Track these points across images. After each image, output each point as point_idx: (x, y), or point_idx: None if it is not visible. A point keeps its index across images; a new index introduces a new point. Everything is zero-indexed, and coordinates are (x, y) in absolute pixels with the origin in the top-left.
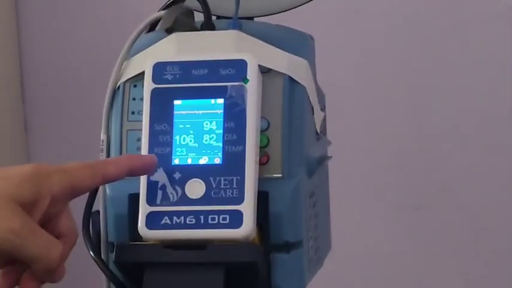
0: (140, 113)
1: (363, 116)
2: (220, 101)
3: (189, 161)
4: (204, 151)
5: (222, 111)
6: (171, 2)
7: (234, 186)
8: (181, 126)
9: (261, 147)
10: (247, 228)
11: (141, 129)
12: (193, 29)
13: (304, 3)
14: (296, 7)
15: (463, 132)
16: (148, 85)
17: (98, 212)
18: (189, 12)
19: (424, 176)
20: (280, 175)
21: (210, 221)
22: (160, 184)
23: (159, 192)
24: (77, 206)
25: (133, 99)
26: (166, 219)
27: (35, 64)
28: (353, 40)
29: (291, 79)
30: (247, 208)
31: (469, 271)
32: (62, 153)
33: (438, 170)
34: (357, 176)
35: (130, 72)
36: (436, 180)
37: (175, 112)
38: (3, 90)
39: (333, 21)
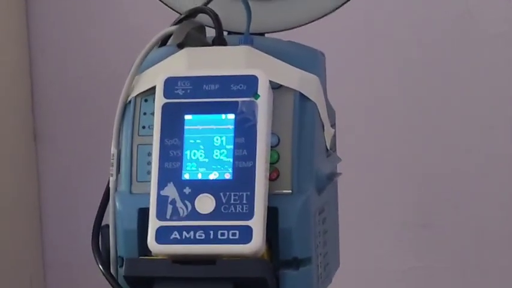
0: (151, 127)
1: (372, 133)
2: (231, 116)
3: (199, 176)
4: (214, 166)
5: (232, 126)
6: (183, 17)
7: (244, 201)
8: (192, 141)
9: (271, 163)
10: (256, 243)
11: (151, 144)
12: (205, 44)
13: (314, 20)
14: (307, 23)
15: (472, 149)
16: (159, 100)
17: (107, 226)
18: (201, 28)
19: (431, 193)
20: (290, 191)
21: (219, 236)
22: (170, 199)
23: (169, 207)
24: (87, 221)
25: (144, 113)
26: (176, 234)
27: (45, 73)
28: (363, 56)
29: (302, 95)
30: (257, 224)
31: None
32: (70, 162)
33: (446, 188)
34: (364, 192)
35: (142, 86)
36: (444, 198)
37: (186, 127)
38: (13, 99)
39: (343, 38)
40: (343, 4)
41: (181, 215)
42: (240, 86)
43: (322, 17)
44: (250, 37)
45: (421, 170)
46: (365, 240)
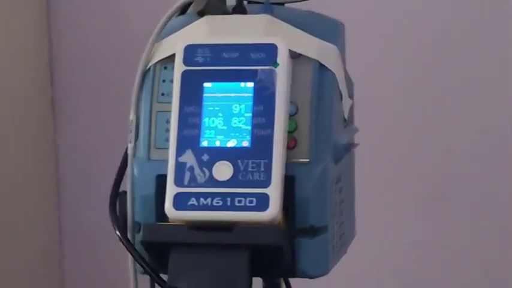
0: (170, 94)
1: (391, 105)
2: (250, 84)
3: (218, 144)
4: (232, 134)
5: (251, 94)
6: None
7: (262, 169)
8: (211, 108)
9: (289, 132)
10: (273, 211)
11: (170, 111)
12: (225, 12)
13: None
14: None
15: (489, 123)
16: (179, 67)
17: (125, 192)
18: None
19: (449, 167)
20: (307, 160)
21: (236, 203)
22: (188, 165)
23: (187, 174)
24: (104, 186)
25: (164, 81)
26: (193, 201)
27: (63, 43)
28: (384, 28)
29: (321, 65)
30: (274, 191)
31: (493, 262)
32: (88, 130)
33: (462, 160)
34: (381, 164)
35: (161, 54)
36: (461, 171)
37: (204, 94)
38: (32, 69)
39: (364, 8)
40: None
41: (199, 181)
42: (259, 55)
43: None
44: (270, 6)
45: (439, 142)
46: (381, 211)
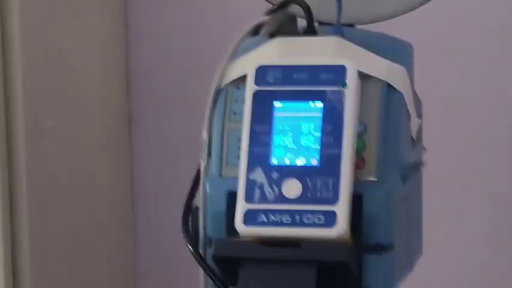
0: (242, 114)
1: (459, 123)
2: (320, 104)
3: (287, 162)
4: (301, 152)
5: (320, 114)
6: (276, 8)
7: (330, 187)
8: (281, 127)
9: (357, 152)
10: (341, 228)
11: (241, 130)
12: (296, 34)
13: (405, 13)
14: (397, 16)
15: None
16: (250, 87)
17: (197, 208)
18: (293, 18)
19: None
20: (375, 179)
21: (305, 220)
22: (258, 183)
23: (257, 191)
24: (178, 202)
25: (236, 100)
26: (263, 217)
27: (141, 60)
28: (450, 48)
29: (389, 86)
30: (342, 209)
31: None
32: (164, 148)
33: None
34: (450, 183)
35: (234, 74)
36: None
37: (275, 114)
38: (109, 83)
39: (434, 29)
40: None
41: (268, 198)
42: (329, 75)
43: (413, 9)
44: (340, 28)
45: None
46: (449, 231)
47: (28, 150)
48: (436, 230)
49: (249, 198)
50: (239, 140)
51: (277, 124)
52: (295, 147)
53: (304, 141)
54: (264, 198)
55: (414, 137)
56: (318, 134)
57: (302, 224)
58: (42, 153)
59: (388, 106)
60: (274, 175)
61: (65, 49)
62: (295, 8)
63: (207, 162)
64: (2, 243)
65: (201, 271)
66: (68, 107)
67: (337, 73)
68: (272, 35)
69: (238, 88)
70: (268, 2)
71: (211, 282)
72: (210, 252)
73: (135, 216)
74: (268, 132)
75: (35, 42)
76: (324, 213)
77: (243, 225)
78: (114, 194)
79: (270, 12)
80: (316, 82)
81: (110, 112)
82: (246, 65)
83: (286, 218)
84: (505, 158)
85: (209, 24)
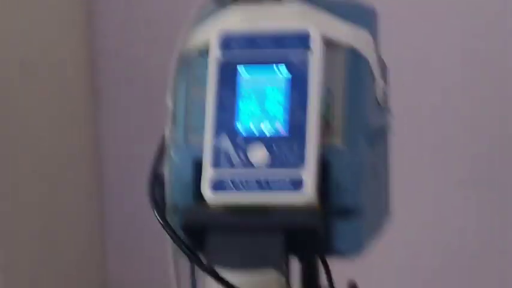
0: (205, 80)
1: (429, 88)
2: (284, 69)
3: (252, 127)
4: (267, 117)
5: (285, 79)
6: None
7: (296, 152)
8: (245, 92)
9: (323, 116)
10: (308, 193)
11: (206, 96)
12: (260, 0)
13: None
14: None
15: None
16: (213, 52)
17: (163, 175)
18: None
19: (495, 150)
20: (341, 143)
21: (272, 186)
22: (224, 149)
23: (223, 157)
24: (145, 170)
25: (199, 67)
26: (229, 183)
27: (104, 31)
28: (417, 12)
29: (354, 50)
30: (309, 174)
31: None
32: (130, 118)
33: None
34: (419, 148)
35: (197, 41)
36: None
37: (239, 79)
38: (73, 56)
39: None
40: None
41: (235, 165)
42: (293, 41)
43: None
44: None
45: (484, 127)
46: (419, 196)
47: None
48: (404, 194)
49: (215, 165)
50: (204, 106)
51: (242, 89)
52: (260, 112)
53: (269, 106)
54: (230, 165)
55: (380, 101)
56: (283, 99)
57: (269, 190)
58: (4, 124)
59: (352, 71)
60: (240, 141)
61: (27, 25)
62: None
63: (172, 128)
64: None
65: (169, 239)
66: (32, 82)
67: (301, 38)
68: (235, 1)
69: (201, 54)
70: None
71: (179, 250)
72: (177, 219)
73: (102, 187)
74: (233, 98)
75: None
76: (291, 179)
77: (209, 192)
78: (80, 165)
79: None
80: (280, 47)
81: (74, 85)
82: (210, 31)
83: (253, 185)
84: (476, 118)
85: None
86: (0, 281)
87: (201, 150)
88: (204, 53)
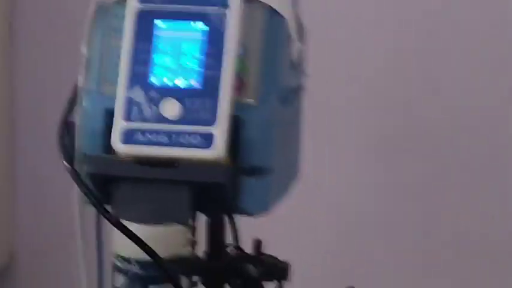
0: (122, 30)
1: (344, 52)
2: (201, 25)
3: (166, 81)
4: (181, 73)
5: (202, 35)
6: None
7: (208, 108)
8: (162, 47)
9: (237, 73)
10: (217, 150)
11: (121, 47)
12: None
13: None
14: None
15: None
16: (132, 4)
17: (74, 123)
18: None
19: (406, 116)
20: (254, 101)
21: (183, 141)
22: (136, 101)
23: (135, 109)
24: (53, 116)
25: (117, 17)
26: (140, 136)
27: None
28: None
29: (272, 9)
30: (220, 131)
31: (443, 203)
32: (46, 62)
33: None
34: (334, 108)
35: None
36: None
37: (155, 32)
38: None
39: None
40: None
41: (146, 118)
42: None
43: None
44: None
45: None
46: (329, 154)
47: None
48: (315, 154)
49: (126, 117)
50: (119, 57)
51: (158, 43)
52: (175, 67)
53: (184, 61)
54: (142, 117)
55: (295, 62)
56: (199, 55)
57: (180, 144)
58: None
59: (270, 30)
60: (153, 94)
61: None
62: None
63: (86, 78)
64: None
65: (76, 190)
66: None
67: None
68: None
69: (119, 4)
70: None
71: (86, 199)
72: (85, 168)
73: (14, 136)
74: (149, 51)
75: None
76: (202, 134)
77: (119, 143)
78: None
79: None
80: (199, 3)
81: None
82: None
83: (164, 138)
84: (391, 81)
85: None
86: None
87: (113, 101)
88: (122, 1)
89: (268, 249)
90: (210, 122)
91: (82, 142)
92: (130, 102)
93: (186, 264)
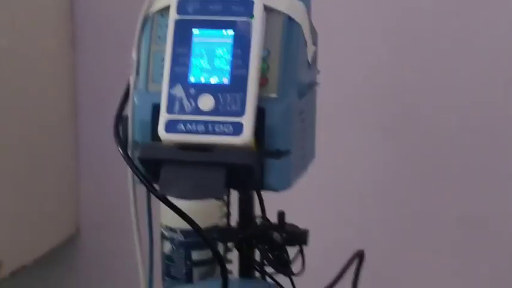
0: (165, 38)
1: (356, 53)
2: (231, 32)
3: (202, 80)
4: (215, 72)
5: (231, 41)
6: None
7: (238, 102)
8: (198, 51)
9: (262, 72)
10: (246, 136)
11: (165, 52)
12: None
13: None
14: None
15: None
16: (173, 15)
17: (127, 117)
18: None
19: (411, 101)
20: (276, 95)
21: (216, 129)
22: (178, 97)
23: (177, 104)
24: (109, 112)
25: (160, 26)
26: (181, 126)
27: None
28: None
29: (290, 17)
30: (247, 120)
31: (433, 185)
32: (105, 69)
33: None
34: (340, 99)
35: (159, 4)
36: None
37: (193, 39)
38: (53, 7)
39: None
40: None
41: (186, 110)
42: (239, 8)
43: None
44: None
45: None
46: (339, 137)
47: None
48: (327, 138)
49: (170, 110)
50: (163, 60)
51: (195, 48)
52: (209, 68)
53: (217, 63)
54: (182, 110)
55: (310, 61)
56: (229, 57)
57: (214, 132)
58: None
59: (288, 35)
60: (192, 91)
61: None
62: None
63: (136, 78)
64: None
65: (129, 172)
66: (16, 29)
67: (246, 6)
68: None
69: (162, 16)
70: None
71: (138, 179)
72: (136, 154)
73: (77, 130)
74: (187, 55)
75: None
76: (233, 123)
77: (164, 132)
78: (57, 105)
79: None
80: (228, 13)
81: (53, 35)
82: None
83: (201, 127)
84: (392, 80)
85: None
86: None
87: (159, 97)
88: (165, 14)
89: (290, 219)
90: (239, 113)
91: (133, 132)
92: (172, 98)
93: (222, 233)
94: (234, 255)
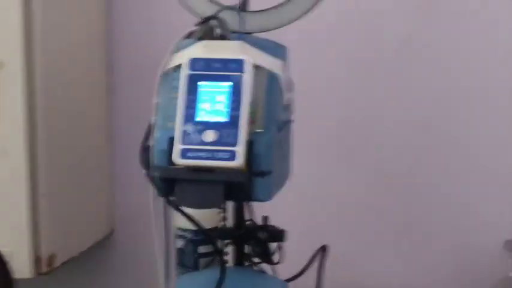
0: (178, 88)
1: (319, 99)
2: (228, 83)
3: (207, 119)
4: (216, 113)
5: (228, 90)
6: (202, 21)
7: (233, 135)
8: (203, 97)
9: (251, 113)
10: (239, 161)
11: (178, 98)
12: (214, 38)
13: (286, 25)
14: (284, 26)
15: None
16: (185, 71)
17: (149, 146)
18: (212, 28)
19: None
20: (261, 130)
21: (217, 156)
22: (188, 132)
23: (187, 137)
24: (137, 143)
25: (175, 79)
26: (190, 153)
27: (121, 43)
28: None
29: (272, 72)
30: (240, 149)
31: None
32: (139, 111)
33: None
34: (309, 131)
35: (175, 62)
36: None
37: (199, 89)
38: (90, 56)
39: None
40: (302, 15)
41: (194, 142)
42: (234, 65)
43: (289, 23)
44: (242, 35)
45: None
46: (309, 162)
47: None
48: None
49: (182, 142)
50: (176, 104)
51: (201, 95)
52: (212, 110)
53: (218, 106)
54: (191, 142)
55: (286, 105)
56: (227, 102)
57: (215, 158)
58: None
59: (270, 85)
60: (199, 127)
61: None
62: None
63: (156, 118)
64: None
65: (151, 187)
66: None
67: (239, 64)
68: (200, 39)
69: (177, 71)
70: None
71: (157, 193)
72: (157, 174)
73: (114, 152)
74: (195, 100)
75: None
76: (229, 151)
77: (178, 158)
78: (97, 137)
79: (199, 24)
80: (226, 69)
81: (90, 82)
82: (183, 57)
83: (205, 155)
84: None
85: (163, 28)
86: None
87: (174, 132)
88: (178, 70)
89: (272, 221)
90: (234, 143)
91: (154, 157)
92: (184, 133)
93: (221, 232)
94: (230, 249)
